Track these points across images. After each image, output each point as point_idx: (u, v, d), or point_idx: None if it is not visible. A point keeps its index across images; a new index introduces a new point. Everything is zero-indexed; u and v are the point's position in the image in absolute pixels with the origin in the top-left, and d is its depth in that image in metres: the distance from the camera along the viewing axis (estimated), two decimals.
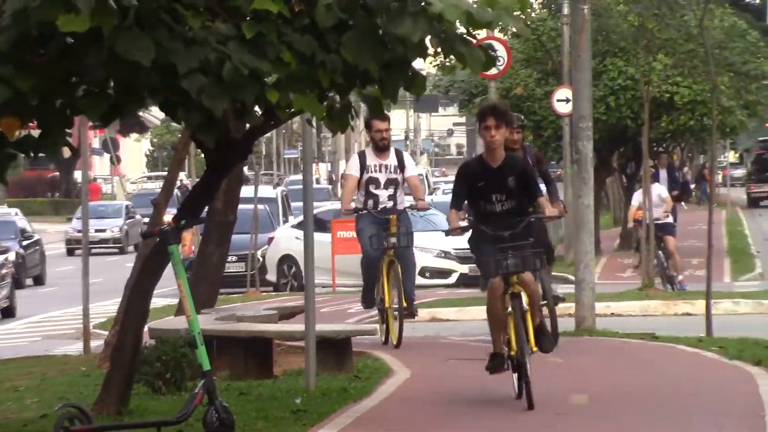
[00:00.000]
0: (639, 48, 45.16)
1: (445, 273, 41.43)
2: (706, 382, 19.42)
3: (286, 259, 42.97)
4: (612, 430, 15.94)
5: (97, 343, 25.10)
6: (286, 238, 43.00)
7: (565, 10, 39.61)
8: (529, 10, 50.64)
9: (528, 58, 53.46)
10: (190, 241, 25.99)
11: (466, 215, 18.61)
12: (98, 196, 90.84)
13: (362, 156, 22.37)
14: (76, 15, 13.59)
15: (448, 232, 17.49)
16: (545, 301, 20.12)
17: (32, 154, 15.96)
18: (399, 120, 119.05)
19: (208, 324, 18.88)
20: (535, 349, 16.71)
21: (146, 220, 69.72)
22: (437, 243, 41.18)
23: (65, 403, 16.35)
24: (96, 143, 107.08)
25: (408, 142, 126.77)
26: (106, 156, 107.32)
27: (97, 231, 66.42)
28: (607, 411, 17.14)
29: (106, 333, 24.33)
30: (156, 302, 19.08)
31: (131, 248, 67.79)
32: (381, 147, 22.24)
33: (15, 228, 43.76)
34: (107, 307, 33.87)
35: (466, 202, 17.44)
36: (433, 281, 40.02)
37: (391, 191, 22.30)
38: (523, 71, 52.93)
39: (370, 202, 22.23)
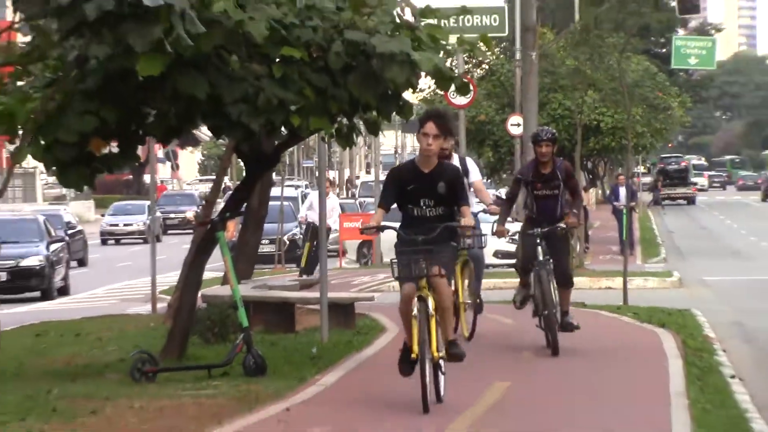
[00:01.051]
0: (575, 85, 45.31)
1: (512, 255, 39.55)
2: (623, 340, 19.46)
3: (366, 243, 42.06)
4: (553, 372, 16.00)
5: (161, 305, 25.15)
6: None
7: (518, 56, 39.53)
8: (485, 49, 50.92)
9: (489, 92, 53.54)
10: (233, 228, 26.01)
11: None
12: None
13: None
14: (149, 62, 13.63)
15: (362, 230, 14.65)
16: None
17: (113, 169, 16.15)
18: (390, 138, 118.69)
19: (246, 291, 18.91)
20: (437, 355, 13.08)
21: (172, 215, 68.64)
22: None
23: (138, 350, 16.45)
24: (160, 154, 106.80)
25: (397, 155, 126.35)
26: (168, 163, 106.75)
27: (125, 225, 65.57)
28: (547, 360, 17.17)
29: (169, 297, 24.38)
30: (207, 275, 19.09)
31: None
32: (443, 156, 16.20)
33: (61, 220, 43.66)
34: (165, 279, 33.78)
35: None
36: (504, 261, 38.46)
37: None
38: (485, 102, 52.98)
39: None
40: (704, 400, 13.95)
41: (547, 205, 16.62)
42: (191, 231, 59.54)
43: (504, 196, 22.82)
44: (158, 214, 68.29)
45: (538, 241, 16.62)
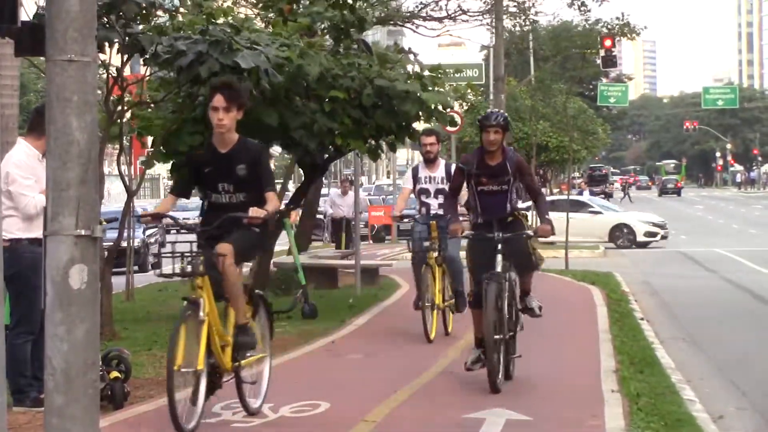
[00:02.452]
0: (531, 117, 45.18)
1: (654, 233, 38.71)
2: (565, 292, 19.42)
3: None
4: None
5: (245, 270, 25.09)
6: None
7: (492, 97, 39.34)
8: (472, 97, 50.80)
9: (472, 122, 53.43)
10: (295, 216, 25.91)
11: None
12: None
13: (415, 170, 13.79)
14: None
15: (139, 218, 8.73)
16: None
17: None
18: (403, 153, 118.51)
19: (304, 260, 18.90)
20: (201, 368, 7.71)
21: None
22: (648, 218, 39.35)
23: None
24: None
25: (407, 165, 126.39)
26: None
27: (183, 219, 61.12)
28: None
29: (250, 264, 24.27)
30: (276, 248, 19.06)
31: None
32: (428, 159, 13.45)
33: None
34: None
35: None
36: (649, 239, 38.10)
37: (440, 200, 12.97)
38: (469, 129, 52.86)
39: (423, 210, 13.35)
40: (622, 335, 13.90)
41: (493, 202, 10.14)
42: None
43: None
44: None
45: (499, 247, 9.96)
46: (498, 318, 9.80)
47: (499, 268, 9.92)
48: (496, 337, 9.82)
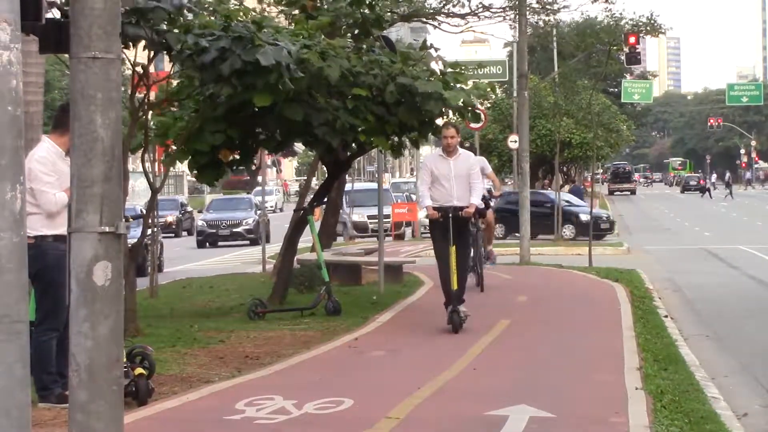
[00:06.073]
0: (554, 114, 45.13)
1: None
2: (588, 289, 19.33)
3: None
4: (540, 312, 15.90)
5: (269, 267, 25.10)
6: None
7: (515, 94, 39.34)
8: (493, 95, 50.78)
9: (495, 119, 53.48)
10: (319, 212, 25.91)
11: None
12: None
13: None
14: (262, 96, 13.64)
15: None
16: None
17: (236, 169, 16.04)
18: (424, 150, 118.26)
19: (327, 257, 18.88)
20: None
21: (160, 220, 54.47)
22: None
23: (253, 296, 16.41)
24: (269, 161, 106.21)
25: None
26: (274, 168, 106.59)
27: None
28: (536, 304, 17.07)
29: (274, 261, 24.32)
30: (300, 245, 19.05)
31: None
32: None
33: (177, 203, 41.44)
34: (257, 249, 33.73)
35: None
36: None
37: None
38: (493, 125, 52.89)
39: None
40: (646, 332, 13.83)
41: None
42: (173, 234, 46.43)
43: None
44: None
45: None
46: None
47: None
48: None
